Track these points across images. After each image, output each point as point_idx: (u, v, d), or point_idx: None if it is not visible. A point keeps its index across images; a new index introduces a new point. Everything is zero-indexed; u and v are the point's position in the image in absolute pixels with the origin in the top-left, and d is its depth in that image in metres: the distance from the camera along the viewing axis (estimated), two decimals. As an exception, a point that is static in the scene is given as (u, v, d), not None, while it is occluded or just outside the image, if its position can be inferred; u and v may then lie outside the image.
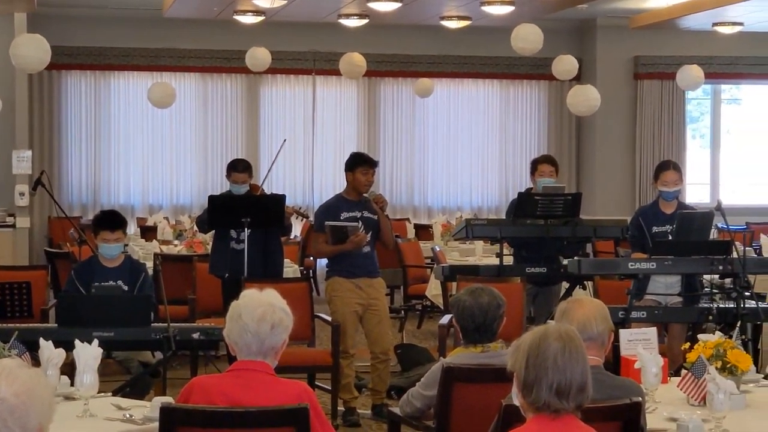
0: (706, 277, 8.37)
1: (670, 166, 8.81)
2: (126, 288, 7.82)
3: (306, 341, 8.70)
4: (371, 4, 13.45)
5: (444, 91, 17.11)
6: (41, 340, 5.46)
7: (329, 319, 8.66)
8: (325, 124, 16.85)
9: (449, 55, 16.90)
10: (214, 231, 10.11)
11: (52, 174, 15.56)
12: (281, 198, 9.87)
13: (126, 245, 8.61)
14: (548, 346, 3.52)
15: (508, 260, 9.94)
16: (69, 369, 5.44)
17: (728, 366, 5.35)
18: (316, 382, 8.56)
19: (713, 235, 9.09)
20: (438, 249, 12.22)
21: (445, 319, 8.61)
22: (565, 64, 13.68)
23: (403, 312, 12.91)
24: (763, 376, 5.81)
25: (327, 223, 8.65)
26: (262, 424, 4.33)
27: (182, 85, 16.28)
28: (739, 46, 16.93)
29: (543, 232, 9.46)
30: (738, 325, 7.21)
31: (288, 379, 4.52)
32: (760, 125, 18.19)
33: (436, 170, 17.21)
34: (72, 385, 5.34)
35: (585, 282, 9.42)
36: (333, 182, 15.98)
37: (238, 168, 9.91)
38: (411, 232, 15.10)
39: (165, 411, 4.37)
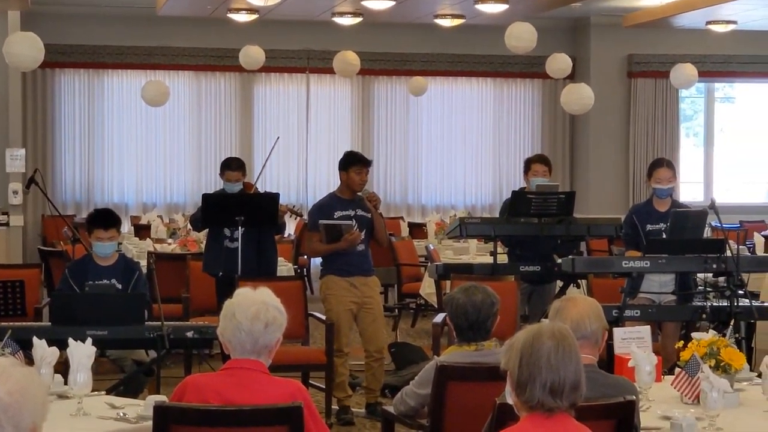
0: (700, 275, 8.37)
1: (663, 164, 8.81)
2: (120, 286, 7.80)
3: (300, 340, 8.69)
4: (365, 3, 13.45)
5: (438, 90, 17.12)
6: (35, 339, 5.45)
7: (323, 317, 8.66)
8: (319, 122, 16.85)
9: (443, 54, 16.91)
10: (207, 229, 10.11)
11: (46, 172, 15.53)
12: (275, 196, 9.87)
13: (120, 244, 8.60)
14: (541, 345, 3.52)
15: (502, 259, 9.95)
16: (63, 367, 5.43)
17: (722, 364, 5.36)
18: (310, 381, 8.56)
19: (707, 233, 9.10)
20: (432, 247, 12.21)
21: (439, 317, 8.62)
22: (559, 63, 13.69)
23: (397, 310, 12.90)
24: (756, 374, 5.80)
25: (321, 221, 8.65)
26: (255, 423, 4.32)
27: (176, 83, 16.27)
28: (732, 45, 16.95)
29: (537, 230, 9.47)
30: (731, 323, 7.20)
31: (282, 377, 4.51)
32: (753, 124, 18.22)
33: (430, 168, 17.21)
34: (66, 383, 5.32)
35: (579, 280, 9.42)
36: (327, 181, 15.99)
37: (232, 166, 9.90)
38: (405, 231, 15.10)
39: (159, 410, 4.37)
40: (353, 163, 8.75)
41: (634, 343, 5.71)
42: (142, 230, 14.10)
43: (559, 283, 9.58)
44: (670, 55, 16.47)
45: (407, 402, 5.69)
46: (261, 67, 14.85)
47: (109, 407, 5.22)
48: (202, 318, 9.09)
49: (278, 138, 12.44)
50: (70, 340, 5.27)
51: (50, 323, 7.18)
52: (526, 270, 9.36)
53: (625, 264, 8.20)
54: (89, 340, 5.27)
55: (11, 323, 7.14)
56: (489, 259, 10.03)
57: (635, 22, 16.11)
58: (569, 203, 9.55)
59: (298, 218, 10.99)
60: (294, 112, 16.81)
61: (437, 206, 17.00)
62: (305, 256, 13.84)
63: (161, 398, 4.81)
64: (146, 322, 7.11)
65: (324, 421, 4.63)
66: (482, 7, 13.32)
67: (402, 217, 16.53)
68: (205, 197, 9.85)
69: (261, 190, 11.06)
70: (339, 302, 8.63)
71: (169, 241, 12.61)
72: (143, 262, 9.42)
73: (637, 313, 8.05)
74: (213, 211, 9.62)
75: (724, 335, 5.73)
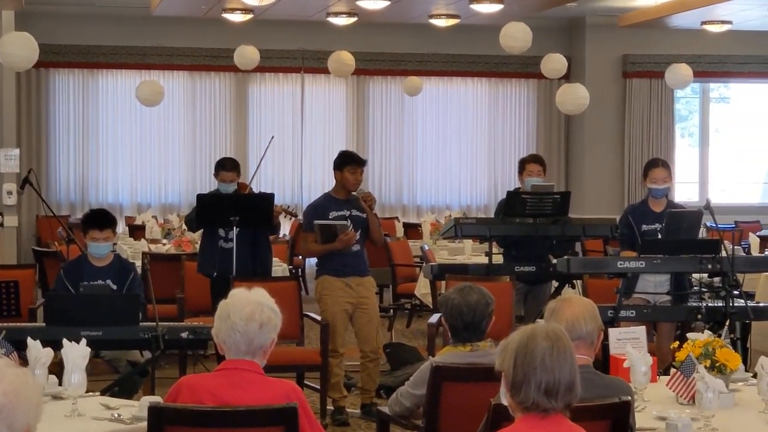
0: (695, 275, 8.37)
1: (659, 164, 8.81)
2: (115, 287, 7.79)
3: (295, 340, 8.68)
4: (360, 3, 13.44)
5: (433, 90, 17.12)
6: (29, 340, 5.44)
7: (318, 318, 8.65)
8: (314, 122, 16.85)
9: (438, 54, 16.91)
10: (202, 230, 10.10)
11: (40, 172, 15.54)
12: (270, 197, 9.86)
13: (115, 244, 8.59)
14: (536, 346, 3.51)
15: (498, 259, 9.94)
16: (57, 368, 5.42)
17: (717, 365, 5.36)
18: (305, 381, 8.55)
19: (702, 233, 9.09)
20: (427, 248, 12.21)
21: (434, 317, 8.61)
22: (554, 63, 13.68)
23: (392, 311, 12.89)
24: (751, 375, 5.80)
25: (316, 222, 8.63)
26: (250, 424, 4.32)
27: (170, 83, 16.26)
28: (727, 45, 16.97)
29: (532, 231, 9.46)
30: (727, 323, 7.21)
31: (277, 378, 4.51)
32: (748, 124, 18.23)
33: (425, 169, 17.22)
34: (60, 384, 5.32)
35: (574, 281, 9.42)
36: (321, 181, 15.98)
37: (226, 166, 9.89)
38: (400, 231, 15.09)
39: (153, 410, 4.36)
40: (348, 162, 8.75)
41: (630, 344, 5.70)
42: (136, 231, 14.09)
43: (555, 284, 9.57)
44: (665, 55, 16.47)
45: (402, 402, 5.68)
46: (256, 67, 14.85)
47: (103, 408, 5.21)
48: (196, 318, 9.10)
49: (273, 137, 12.44)
50: (65, 341, 5.26)
51: (45, 324, 7.16)
52: (521, 270, 9.35)
53: (621, 264, 8.19)
54: (84, 341, 5.26)
55: (5, 324, 7.14)
56: (484, 260, 10.03)
57: (630, 22, 16.12)
58: (564, 203, 9.54)
59: (293, 218, 10.96)
60: (289, 112, 16.81)
61: (432, 206, 17.01)
62: (300, 257, 13.83)
63: (156, 399, 4.80)
64: (141, 323, 7.11)
65: (319, 421, 4.62)
66: (477, 7, 13.31)
67: (397, 218, 16.53)
68: (200, 198, 9.84)
69: (256, 190, 11.06)
70: (334, 303, 8.62)
71: (164, 241, 12.60)
72: (138, 263, 9.40)
73: (632, 313, 8.04)
74: (208, 211, 9.61)
75: (719, 336, 5.73)
